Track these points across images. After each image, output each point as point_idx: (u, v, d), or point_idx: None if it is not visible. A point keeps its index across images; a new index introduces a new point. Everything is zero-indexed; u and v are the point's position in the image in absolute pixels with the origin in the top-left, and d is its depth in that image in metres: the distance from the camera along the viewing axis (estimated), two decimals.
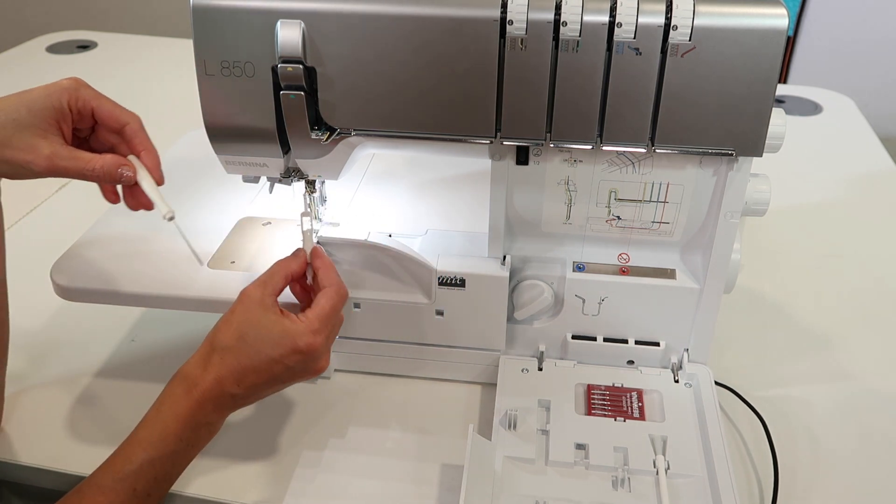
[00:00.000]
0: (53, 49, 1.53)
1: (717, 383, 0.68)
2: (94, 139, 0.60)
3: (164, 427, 0.54)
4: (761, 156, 0.57)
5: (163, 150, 0.82)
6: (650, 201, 0.62)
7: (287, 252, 0.69)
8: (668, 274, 0.65)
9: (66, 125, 0.55)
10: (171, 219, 0.57)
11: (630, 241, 0.66)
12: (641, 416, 0.64)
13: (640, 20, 0.52)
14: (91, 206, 0.80)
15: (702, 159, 0.60)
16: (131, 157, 0.57)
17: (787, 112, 1.26)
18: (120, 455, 0.54)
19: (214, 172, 0.64)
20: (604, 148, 0.57)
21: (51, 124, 0.53)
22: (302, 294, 0.63)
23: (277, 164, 0.62)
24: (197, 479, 0.62)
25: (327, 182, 0.70)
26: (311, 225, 0.62)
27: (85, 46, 1.55)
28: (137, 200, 0.59)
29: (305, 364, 0.57)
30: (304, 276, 0.62)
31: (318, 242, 0.68)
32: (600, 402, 0.65)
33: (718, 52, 0.52)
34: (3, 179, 0.57)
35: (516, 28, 0.53)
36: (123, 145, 0.58)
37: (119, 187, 0.59)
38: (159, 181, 0.58)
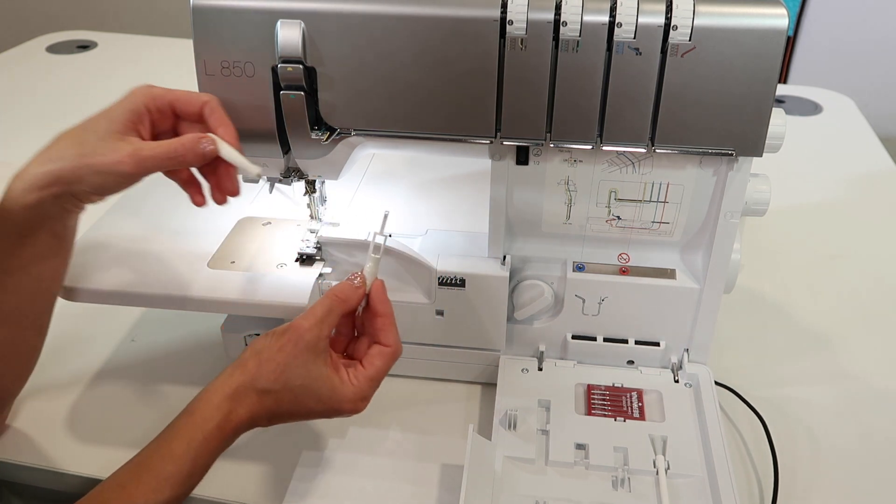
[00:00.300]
0: (53, 49, 1.53)
1: (717, 383, 0.68)
2: None
3: (193, 464, 0.52)
4: (761, 156, 0.57)
5: None
6: (650, 201, 0.62)
7: (286, 249, 0.69)
8: (668, 274, 0.65)
9: (143, 127, 0.55)
10: (260, 175, 0.56)
11: (630, 241, 0.66)
12: (641, 416, 0.64)
13: (640, 20, 0.52)
14: (91, 206, 0.80)
15: (702, 159, 0.60)
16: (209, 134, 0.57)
17: (787, 112, 1.26)
18: (143, 486, 0.51)
19: None
20: (604, 148, 0.57)
21: (128, 127, 0.54)
22: (344, 319, 0.58)
23: (277, 164, 0.62)
24: None
25: (327, 182, 0.70)
26: (381, 253, 0.58)
27: (85, 46, 1.55)
28: (223, 189, 0.58)
29: (339, 416, 0.56)
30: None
31: (319, 245, 0.68)
32: (600, 402, 0.65)
33: (718, 52, 0.52)
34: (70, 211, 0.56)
35: (516, 28, 0.53)
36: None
37: (206, 190, 0.59)
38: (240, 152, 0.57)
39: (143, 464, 0.52)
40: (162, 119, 0.56)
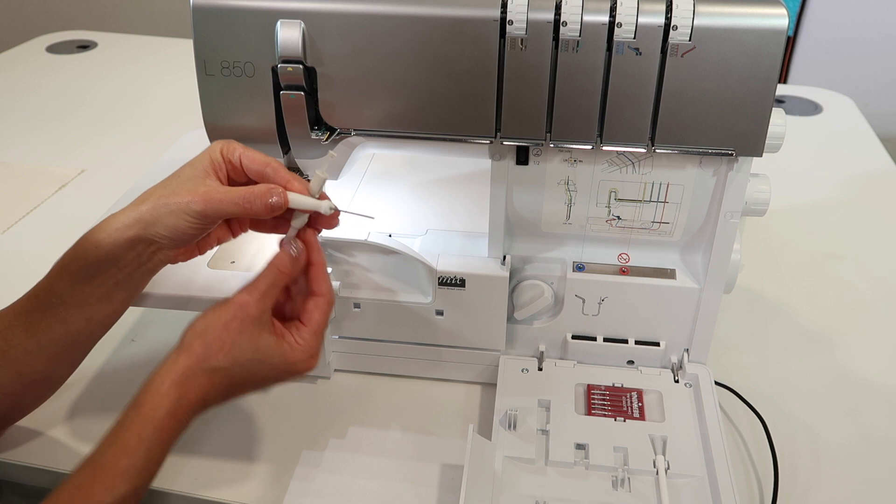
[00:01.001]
0: (53, 49, 1.53)
1: (717, 383, 0.68)
2: None
3: (148, 456, 0.52)
4: (761, 156, 0.57)
5: (162, 150, 0.83)
6: (650, 201, 0.62)
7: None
8: (668, 274, 0.65)
9: (221, 174, 0.56)
10: (333, 208, 0.56)
11: (630, 241, 0.66)
12: (641, 416, 0.64)
13: (640, 20, 0.52)
14: (91, 206, 0.80)
15: (702, 159, 0.60)
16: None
17: (787, 112, 1.26)
18: (98, 484, 0.50)
19: None
20: (604, 148, 0.57)
21: (208, 172, 0.55)
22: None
23: None
24: (196, 479, 0.62)
25: (327, 182, 0.70)
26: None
27: (85, 46, 1.55)
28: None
29: (294, 377, 0.57)
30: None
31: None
32: (600, 402, 0.65)
33: (718, 52, 0.52)
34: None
35: (516, 28, 0.53)
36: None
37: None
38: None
39: (97, 462, 0.51)
40: (234, 171, 0.57)
